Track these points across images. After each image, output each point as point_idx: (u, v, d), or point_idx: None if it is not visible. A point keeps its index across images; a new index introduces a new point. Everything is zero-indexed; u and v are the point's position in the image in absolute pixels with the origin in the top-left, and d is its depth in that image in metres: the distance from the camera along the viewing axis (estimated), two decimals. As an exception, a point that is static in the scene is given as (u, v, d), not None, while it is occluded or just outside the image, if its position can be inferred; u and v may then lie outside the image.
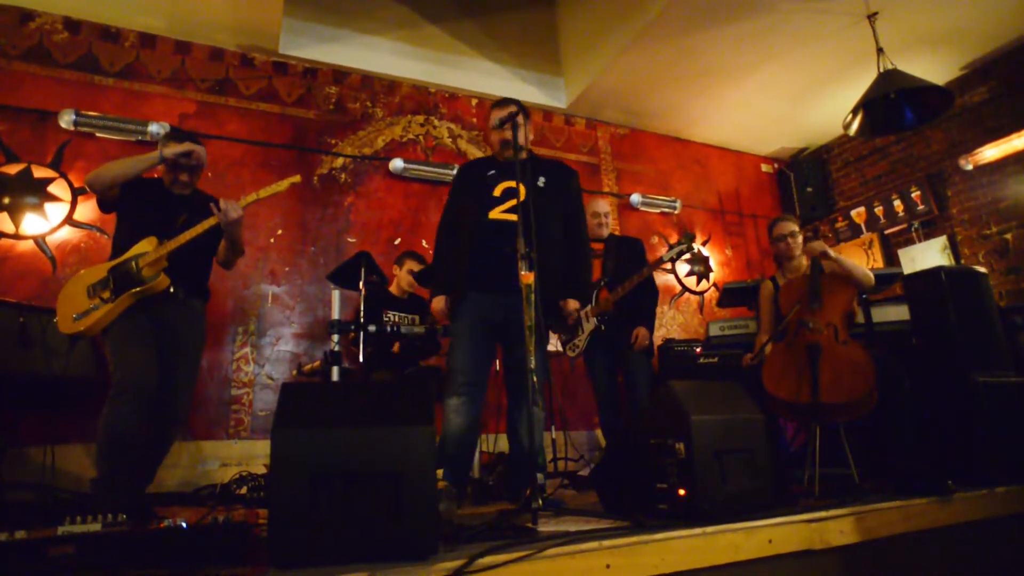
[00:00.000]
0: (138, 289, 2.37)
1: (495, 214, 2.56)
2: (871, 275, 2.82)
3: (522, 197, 2.25)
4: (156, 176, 2.67)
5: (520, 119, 2.60)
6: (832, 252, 2.73)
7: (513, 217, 2.49)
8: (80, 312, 2.38)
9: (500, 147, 2.71)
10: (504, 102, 2.74)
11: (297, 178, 2.61)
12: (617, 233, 3.89)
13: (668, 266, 5.65)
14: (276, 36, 4.32)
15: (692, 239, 3.54)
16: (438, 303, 2.64)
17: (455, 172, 2.96)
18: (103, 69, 4.08)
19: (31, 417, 3.32)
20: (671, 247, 3.57)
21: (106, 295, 2.38)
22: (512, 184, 2.58)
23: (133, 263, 2.43)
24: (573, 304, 2.63)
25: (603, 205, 3.79)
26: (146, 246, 2.46)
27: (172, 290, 2.44)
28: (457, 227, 2.69)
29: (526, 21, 5.34)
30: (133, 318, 2.39)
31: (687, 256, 3.60)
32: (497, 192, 2.60)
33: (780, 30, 4.46)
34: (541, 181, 2.66)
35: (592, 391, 3.67)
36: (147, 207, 2.55)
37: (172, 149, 2.51)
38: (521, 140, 2.63)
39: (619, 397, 3.57)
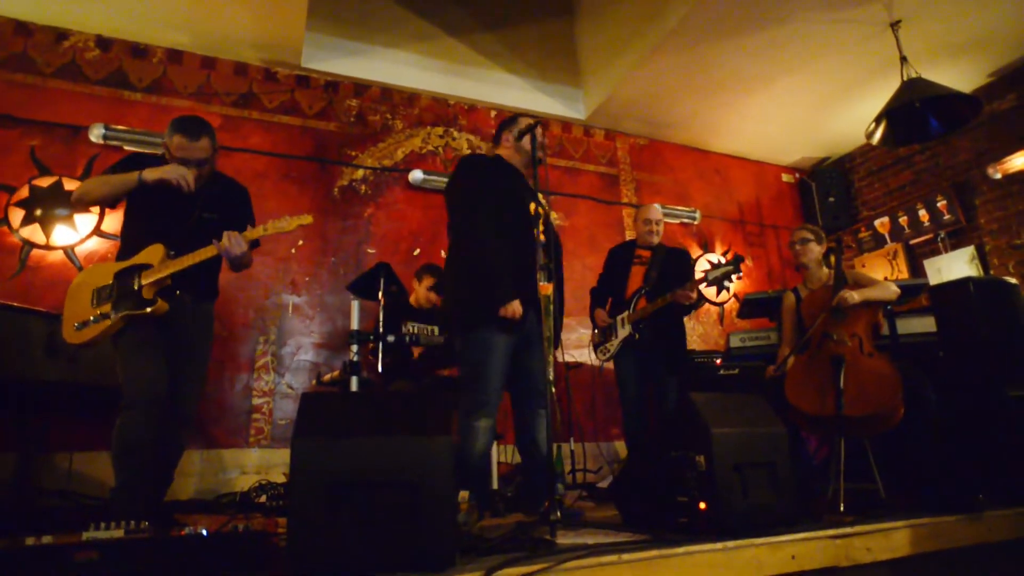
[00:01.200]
0: (136, 313, 2.30)
1: (538, 233, 2.47)
2: (894, 289, 2.77)
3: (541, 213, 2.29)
4: (162, 157, 2.48)
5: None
6: (858, 296, 2.67)
7: (542, 238, 2.48)
8: (81, 321, 2.32)
9: (529, 164, 2.62)
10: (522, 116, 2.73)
11: (308, 219, 2.42)
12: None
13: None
14: (299, 50, 4.40)
15: (741, 261, 3.36)
16: (518, 307, 2.35)
17: (479, 163, 2.72)
18: (132, 85, 4.19)
19: (57, 423, 3.39)
20: (716, 266, 3.36)
21: (107, 308, 2.30)
22: (535, 205, 2.55)
23: (136, 279, 2.33)
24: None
25: (655, 212, 3.72)
26: (151, 256, 2.36)
27: (178, 293, 2.38)
28: (502, 230, 2.49)
29: (545, 33, 5.38)
30: (140, 327, 2.33)
31: (736, 277, 3.44)
32: (532, 210, 2.51)
33: (801, 40, 4.43)
34: (541, 200, 2.60)
35: (619, 399, 3.63)
36: (156, 199, 2.39)
37: (152, 174, 2.34)
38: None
39: (646, 406, 3.53)
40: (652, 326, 3.42)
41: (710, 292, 5.67)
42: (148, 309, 2.30)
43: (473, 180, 2.60)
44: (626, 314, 3.49)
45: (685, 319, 5.39)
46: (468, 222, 2.52)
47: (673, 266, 3.57)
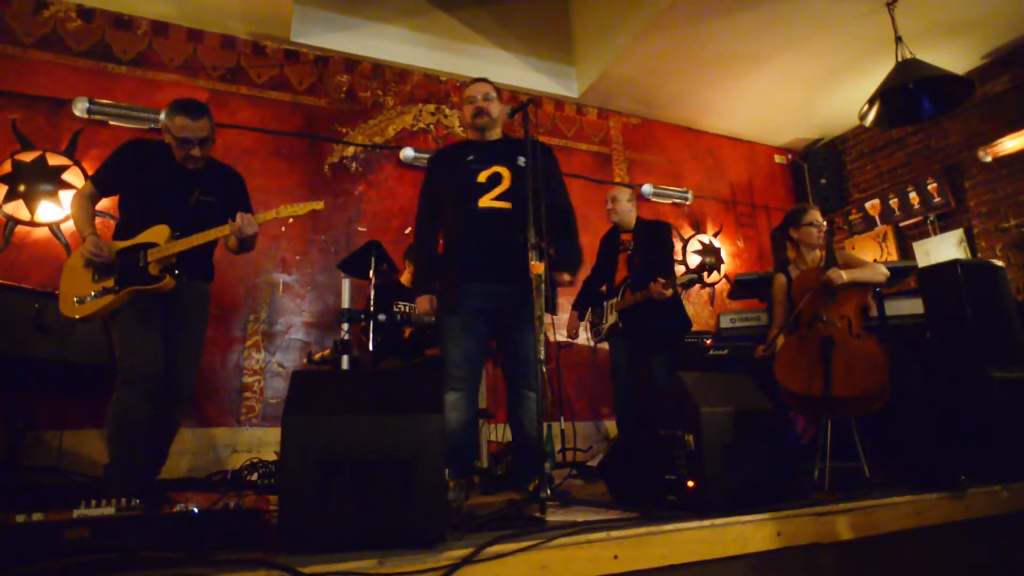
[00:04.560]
0: (143, 288, 2.35)
1: (485, 202, 2.47)
2: (884, 271, 2.78)
3: (512, 181, 2.34)
4: (162, 140, 2.51)
5: (494, 94, 2.61)
6: (847, 276, 2.68)
7: (506, 204, 2.47)
8: (81, 296, 2.35)
9: (477, 129, 2.61)
10: (481, 80, 2.67)
11: (320, 205, 2.53)
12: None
13: (679, 256, 5.62)
14: (288, 24, 4.31)
15: (710, 268, 3.42)
16: (423, 304, 2.56)
17: (428, 163, 2.84)
18: (116, 57, 4.09)
19: (46, 402, 3.37)
20: (689, 271, 3.43)
21: (110, 283, 2.34)
22: (498, 169, 2.52)
23: (141, 255, 2.38)
24: (565, 276, 2.56)
25: (612, 191, 3.72)
26: (157, 236, 2.40)
27: (177, 272, 2.43)
28: (435, 221, 2.63)
29: (538, 10, 5.29)
30: (139, 304, 2.37)
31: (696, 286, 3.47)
32: (482, 179, 2.51)
33: (796, 18, 4.39)
34: (521, 161, 2.52)
35: (610, 378, 3.66)
36: (157, 182, 2.46)
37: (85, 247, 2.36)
38: (495, 115, 2.60)
39: (637, 386, 3.55)
40: (640, 306, 3.43)
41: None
42: (157, 285, 2.36)
43: (423, 183, 2.72)
44: (614, 301, 3.52)
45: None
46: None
47: (653, 247, 3.52)
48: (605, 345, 3.71)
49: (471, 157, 2.56)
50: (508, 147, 2.61)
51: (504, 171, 2.52)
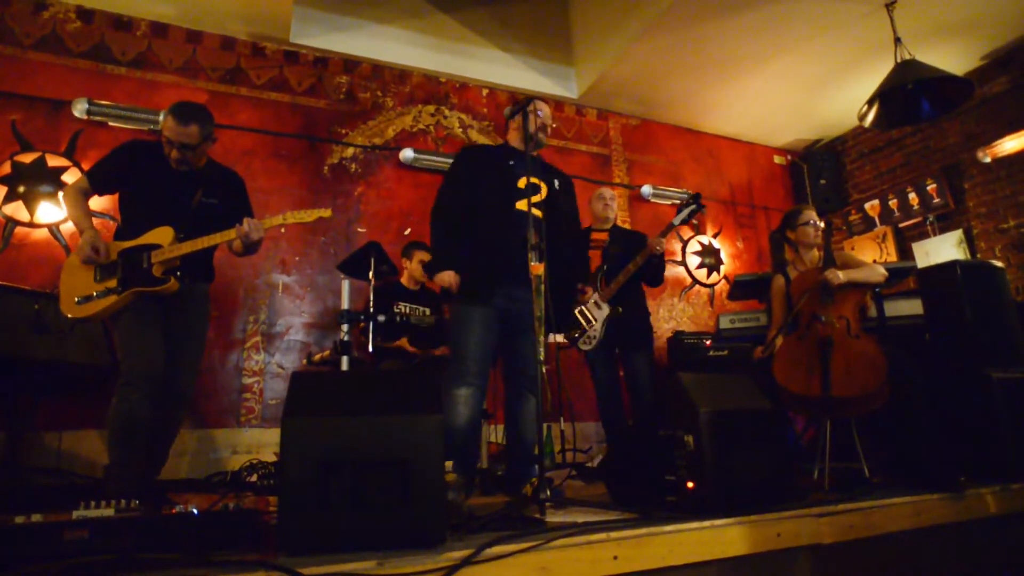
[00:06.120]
0: (147, 289, 2.34)
1: (522, 205, 2.54)
2: (881, 272, 2.78)
3: (540, 191, 2.40)
4: (157, 140, 2.51)
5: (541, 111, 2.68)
6: (843, 277, 2.69)
7: (537, 212, 2.49)
8: (83, 296, 2.33)
9: (536, 143, 2.69)
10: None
11: (328, 212, 2.55)
12: (627, 226, 3.86)
13: (678, 257, 5.62)
14: (287, 25, 4.31)
15: (699, 198, 3.40)
16: (450, 277, 2.49)
17: (463, 149, 2.91)
18: (115, 58, 4.09)
19: (46, 402, 3.37)
20: (678, 211, 3.44)
21: (112, 284, 2.33)
22: (536, 181, 2.60)
23: (145, 256, 2.37)
24: (590, 290, 2.66)
25: (609, 190, 3.85)
26: (161, 237, 2.39)
27: (179, 274, 2.42)
28: (463, 204, 2.61)
29: (538, 10, 5.29)
30: (141, 305, 2.36)
31: (697, 214, 3.44)
32: (522, 184, 2.58)
33: (796, 19, 4.39)
34: (556, 183, 2.72)
35: (592, 383, 3.64)
36: (158, 184, 2.46)
37: (82, 247, 2.35)
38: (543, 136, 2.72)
39: (619, 389, 3.54)
40: (620, 305, 3.41)
41: (701, 273, 5.69)
42: (161, 287, 2.36)
43: (451, 167, 2.78)
44: (596, 295, 3.44)
45: (676, 300, 5.45)
46: (434, 204, 2.69)
47: (632, 242, 3.52)
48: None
49: (512, 162, 2.66)
50: (545, 167, 2.77)
51: (543, 185, 2.64)
